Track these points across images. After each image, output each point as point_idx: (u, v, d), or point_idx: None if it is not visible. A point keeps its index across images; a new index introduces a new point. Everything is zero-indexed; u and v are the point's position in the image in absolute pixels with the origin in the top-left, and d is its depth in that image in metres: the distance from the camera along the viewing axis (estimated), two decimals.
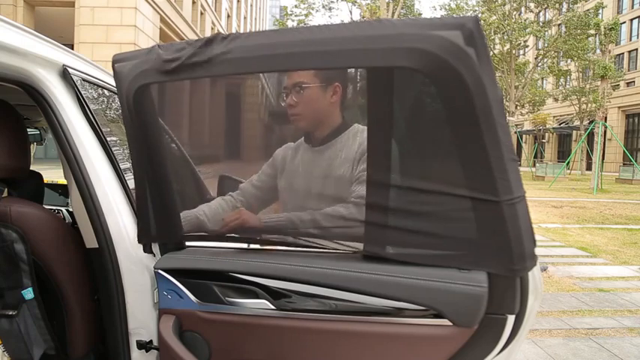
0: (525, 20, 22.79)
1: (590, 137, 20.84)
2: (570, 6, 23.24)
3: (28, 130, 2.26)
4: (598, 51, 23.18)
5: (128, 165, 1.38)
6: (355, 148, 1.16)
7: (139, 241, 1.22)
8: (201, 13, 23.67)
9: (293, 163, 1.26)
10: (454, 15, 17.48)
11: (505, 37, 22.36)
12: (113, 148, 1.31)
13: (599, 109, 19.53)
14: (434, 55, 0.87)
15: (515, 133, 24.76)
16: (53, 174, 2.71)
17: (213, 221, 1.22)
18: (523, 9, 24.09)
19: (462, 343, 1.03)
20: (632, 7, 35.36)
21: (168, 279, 1.17)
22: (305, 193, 1.22)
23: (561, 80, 33.86)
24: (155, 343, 1.23)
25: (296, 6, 20.99)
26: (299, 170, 1.26)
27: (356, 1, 20.14)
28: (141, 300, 1.23)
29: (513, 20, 21.94)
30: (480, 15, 19.11)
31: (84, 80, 1.34)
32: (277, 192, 1.29)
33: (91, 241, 1.26)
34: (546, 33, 23.24)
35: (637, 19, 35.19)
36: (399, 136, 1.02)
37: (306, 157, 1.25)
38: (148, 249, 1.25)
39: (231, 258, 1.17)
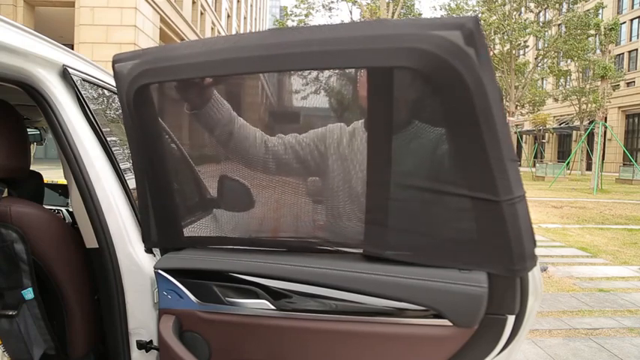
0: (525, 20, 22.78)
1: (590, 137, 20.84)
2: (570, 6, 23.23)
3: (28, 130, 2.27)
4: (598, 51, 23.20)
5: (128, 165, 1.38)
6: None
7: (144, 245, 1.23)
8: (201, 13, 23.67)
9: (350, 147, 1.22)
10: (454, 15, 17.49)
11: (505, 37, 22.34)
12: (113, 148, 1.31)
13: (599, 109, 19.54)
14: (434, 55, 0.87)
15: (515, 133, 24.77)
16: (53, 174, 2.72)
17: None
18: (523, 9, 24.08)
19: (462, 343, 1.02)
20: (632, 7, 35.36)
21: (168, 279, 1.17)
22: (359, 183, 1.16)
23: (561, 80, 33.85)
24: (155, 343, 1.23)
25: (296, 6, 20.99)
26: (357, 157, 1.21)
27: (356, 1, 20.15)
28: (141, 300, 1.23)
29: (513, 20, 21.92)
30: (480, 15, 19.11)
31: (84, 80, 1.34)
32: (317, 162, 1.25)
33: (91, 241, 1.26)
34: (546, 33, 23.23)
35: (637, 19, 35.19)
36: (399, 135, 1.02)
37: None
38: (148, 249, 1.25)
39: (231, 258, 1.17)
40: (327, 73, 1.09)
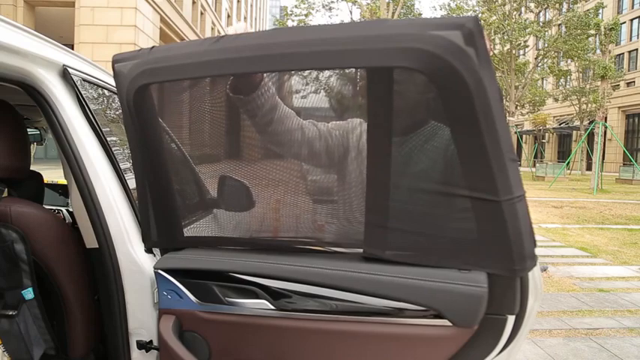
0: (525, 20, 22.78)
1: (590, 137, 20.87)
2: (570, 6, 23.25)
3: (28, 130, 2.27)
4: (598, 51, 23.19)
5: (128, 165, 1.38)
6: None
7: (145, 245, 1.23)
8: (201, 13, 23.67)
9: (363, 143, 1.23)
10: (454, 15, 17.50)
11: (505, 37, 22.35)
12: (113, 148, 1.31)
13: (599, 109, 19.53)
14: (433, 55, 0.87)
15: (515, 133, 24.74)
16: (53, 174, 2.71)
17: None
18: (523, 9, 24.09)
19: (462, 343, 1.03)
20: (632, 7, 35.35)
21: (168, 279, 1.17)
22: (360, 182, 1.14)
23: (561, 80, 33.85)
24: (155, 343, 1.23)
25: (296, 6, 21.02)
26: (359, 157, 1.19)
27: (356, 1, 20.16)
28: (141, 300, 1.23)
29: (513, 20, 21.94)
30: (480, 15, 19.11)
31: (84, 80, 1.34)
32: (340, 155, 1.24)
33: (91, 241, 1.26)
34: (546, 33, 23.23)
35: (637, 19, 35.19)
36: (399, 136, 1.02)
37: None
38: (148, 249, 1.25)
39: (231, 258, 1.17)
40: (326, 72, 1.09)
